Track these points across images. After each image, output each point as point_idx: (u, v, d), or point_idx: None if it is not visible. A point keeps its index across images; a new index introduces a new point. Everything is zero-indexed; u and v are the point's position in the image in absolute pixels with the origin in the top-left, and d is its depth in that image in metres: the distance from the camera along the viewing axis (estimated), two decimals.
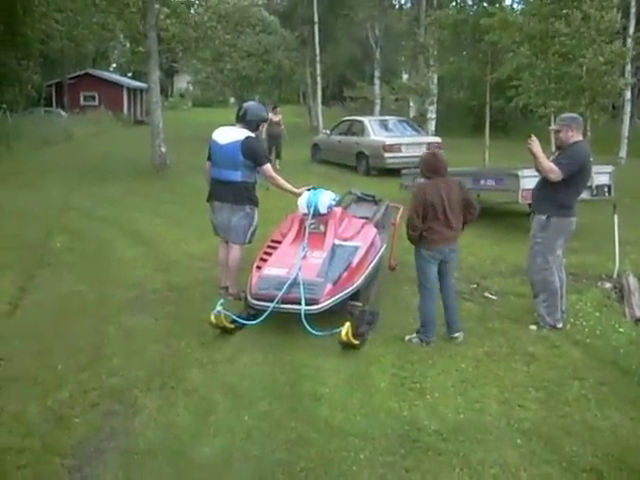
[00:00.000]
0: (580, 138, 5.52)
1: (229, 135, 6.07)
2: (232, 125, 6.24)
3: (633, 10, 18.77)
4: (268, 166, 6.15)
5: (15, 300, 6.43)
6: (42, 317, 5.95)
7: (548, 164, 5.34)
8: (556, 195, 5.39)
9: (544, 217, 5.46)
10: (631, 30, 18.46)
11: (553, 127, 5.71)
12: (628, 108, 19.29)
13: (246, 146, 5.95)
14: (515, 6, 23.72)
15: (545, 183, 5.46)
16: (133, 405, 4.30)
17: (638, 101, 24.70)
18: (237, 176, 6.02)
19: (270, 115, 16.41)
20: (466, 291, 6.66)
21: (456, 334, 5.38)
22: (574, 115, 5.79)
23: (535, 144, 5.35)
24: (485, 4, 19.65)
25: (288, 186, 6.29)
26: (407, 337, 5.37)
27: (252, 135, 6.08)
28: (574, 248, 7.16)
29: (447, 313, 5.43)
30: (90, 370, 4.81)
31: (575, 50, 12.71)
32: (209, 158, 6.28)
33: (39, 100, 33.72)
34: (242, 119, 6.17)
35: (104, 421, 4.09)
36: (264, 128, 16.34)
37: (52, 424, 4.05)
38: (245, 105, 6.37)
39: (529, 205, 7.99)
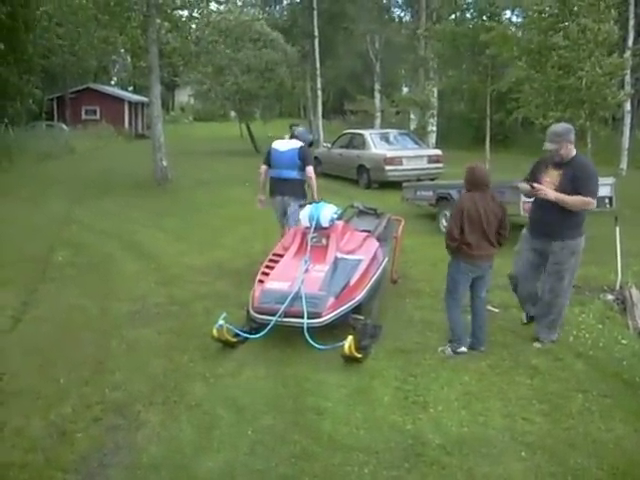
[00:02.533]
0: (574, 149, 5.32)
1: (288, 144, 7.66)
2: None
3: (631, 22, 18.85)
4: (312, 168, 7.55)
5: (18, 314, 6.44)
6: (44, 331, 5.96)
7: (579, 200, 5.08)
8: (575, 216, 5.22)
9: (576, 241, 5.28)
10: (630, 42, 18.54)
11: (550, 147, 5.26)
12: (628, 120, 19.29)
13: (302, 151, 7.56)
14: (514, 19, 23.93)
15: (560, 208, 5.17)
16: (136, 419, 4.30)
17: (638, 113, 24.72)
18: (294, 174, 7.54)
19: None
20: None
21: (482, 348, 5.41)
22: (566, 126, 5.46)
23: (544, 192, 5.16)
24: (484, 17, 19.79)
25: (315, 189, 7.58)
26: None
27: (304, 145, 7.68)
28: None
29: (475, 325, 5.47)
30: (93, 384, 4.82)
31: (574, 62, 12.75)
32: (265, 162, 7.77)
33: (40, 114, 33.77)
34: (294, 138, 7.79)
35: (107, 436, 4.09)
36: None
37: (55, 439, 4.05)
38: (296, 131, 7.91)
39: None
